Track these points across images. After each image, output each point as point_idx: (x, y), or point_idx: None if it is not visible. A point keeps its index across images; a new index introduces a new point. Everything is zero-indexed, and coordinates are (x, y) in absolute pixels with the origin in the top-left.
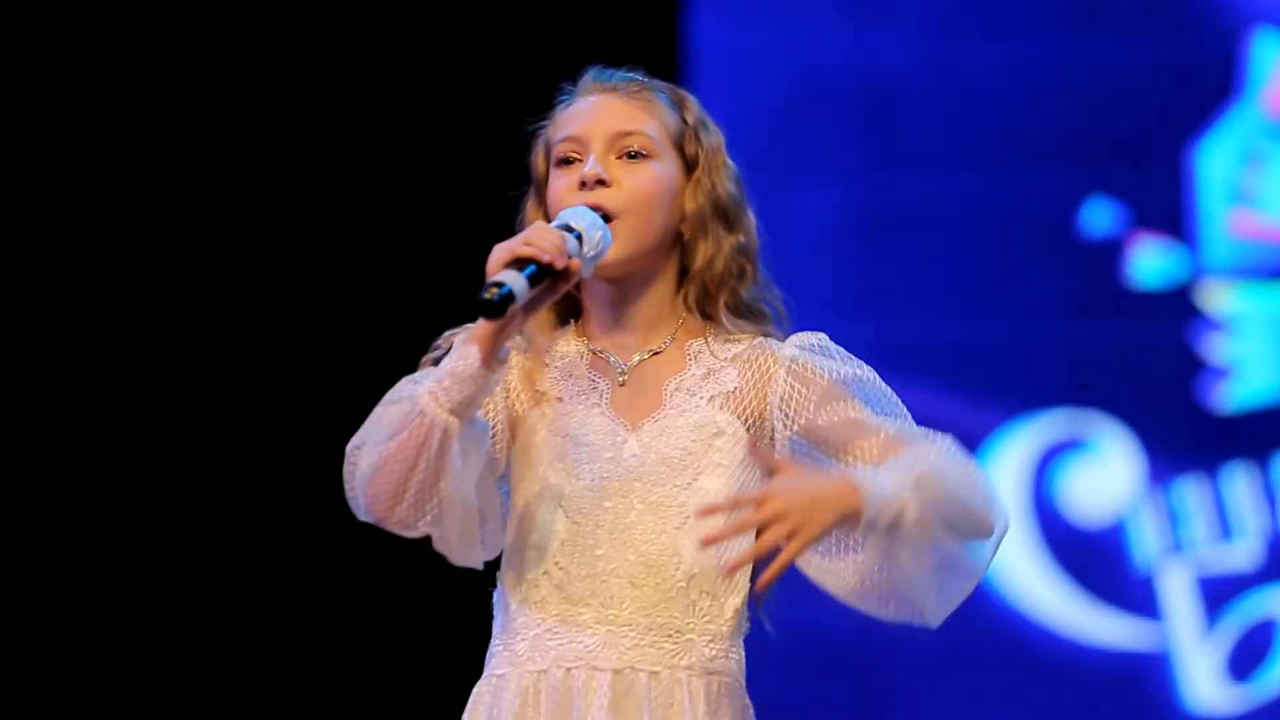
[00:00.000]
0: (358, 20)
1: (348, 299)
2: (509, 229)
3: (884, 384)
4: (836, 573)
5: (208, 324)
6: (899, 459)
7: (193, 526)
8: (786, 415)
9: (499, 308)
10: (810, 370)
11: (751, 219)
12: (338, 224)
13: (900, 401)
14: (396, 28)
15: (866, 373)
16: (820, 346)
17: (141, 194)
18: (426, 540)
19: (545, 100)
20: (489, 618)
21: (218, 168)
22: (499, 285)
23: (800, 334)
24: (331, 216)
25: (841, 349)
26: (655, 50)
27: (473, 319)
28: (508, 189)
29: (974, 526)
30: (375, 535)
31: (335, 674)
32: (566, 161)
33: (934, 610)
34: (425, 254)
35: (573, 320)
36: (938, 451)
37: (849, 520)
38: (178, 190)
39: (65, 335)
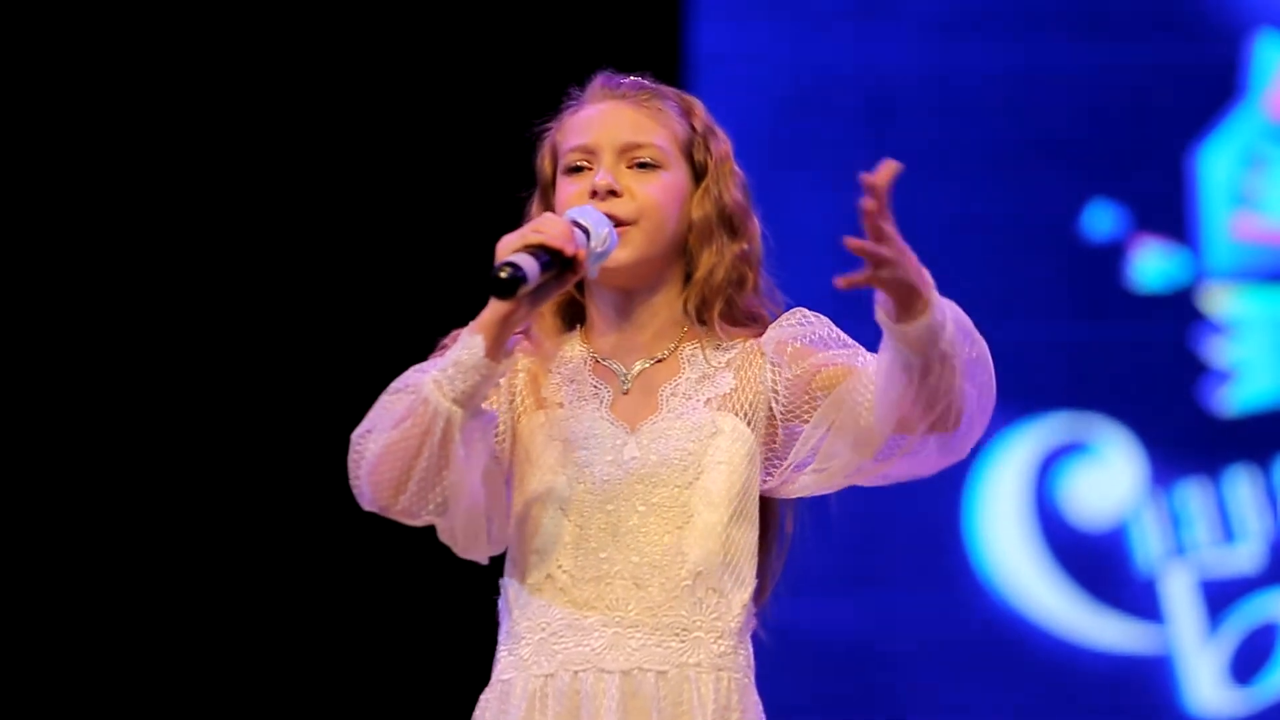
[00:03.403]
0: (361, 21)
1: (351, 298)
2: (514, 229)
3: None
4: (891, 390)
5: (211, 322)
6: None
7: (198, 530)
8: (776, 389)
9: (510, 286)
10: (789, 341)
11: (756, 226)
12: (341, 223)
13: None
14: (400, 28)
15: (844, 336)
16: (799, 321)
17: (147, 195)
18: (431, 548)
19: (547, 101)
20: (494, 624)
21: (222, 169)
22: (511, 265)
23: (781, 316)
24: (335, 216)
25: (822, 317)
26: (657, 53)
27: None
28: (513, 190)
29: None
30: (380, 544)
31: (342, 683)
32: (576, 170)
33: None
34: (426, 254)
35: (578, 325)
36: None
37: (916, 300)
38: (182, 191)
39: (70, 335)
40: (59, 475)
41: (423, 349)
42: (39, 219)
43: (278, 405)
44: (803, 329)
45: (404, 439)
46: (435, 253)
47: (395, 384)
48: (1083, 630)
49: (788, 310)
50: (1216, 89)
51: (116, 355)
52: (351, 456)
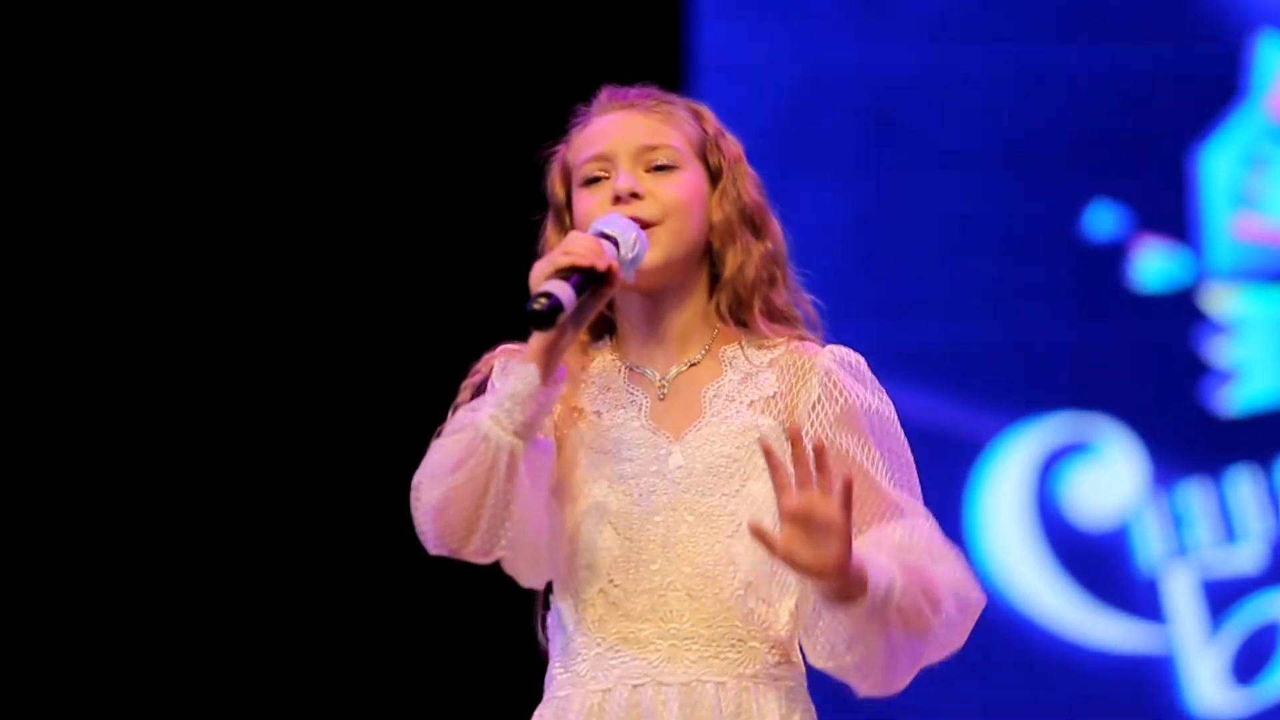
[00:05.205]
0: (362, 22)
1: (360, 315)
2: (529, 242)
3: (900, 430)
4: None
5: (239, 336)
6: (893, 539)
7: (232, 546)
8: (810, 422)
9: (549, 317)
10: (840, 387)
11: (777, 225)
12: (347, 236)
13: (909, 449)
14: (402, 29)
15: (889, 411)
16: (855, 367)
17: (188, 211)
18: (479, 567)
19: (552, 100)
20: (534, 641)
21: (237, 193)
22: (546, 295)
23: (841, 347)
24: (334, 216)
25: (874, 379)
26: (658, 53)
27: (495, 340)
28: (523, 195)
29: (944, 614)
30: (426, 563)
31: (391, 702)
32: (594, 180)
33: (888, 683)
34: (429, 268)
35: (607, 336)
36: (925, 533)
37: (843, 590)
38: (208, 204)
39: (92, 354)
40: (83, 485)
41: (441, 362)
42: (78, 230)
43: (324, 417)
44: (871, 401)
45: (470, 479)
46: (432, 248)
47: (448, 427)
48: (1084, 630)
49: (827, 339)
50: (1218, 89)
51: (140, 368)
52: (413, 504)
